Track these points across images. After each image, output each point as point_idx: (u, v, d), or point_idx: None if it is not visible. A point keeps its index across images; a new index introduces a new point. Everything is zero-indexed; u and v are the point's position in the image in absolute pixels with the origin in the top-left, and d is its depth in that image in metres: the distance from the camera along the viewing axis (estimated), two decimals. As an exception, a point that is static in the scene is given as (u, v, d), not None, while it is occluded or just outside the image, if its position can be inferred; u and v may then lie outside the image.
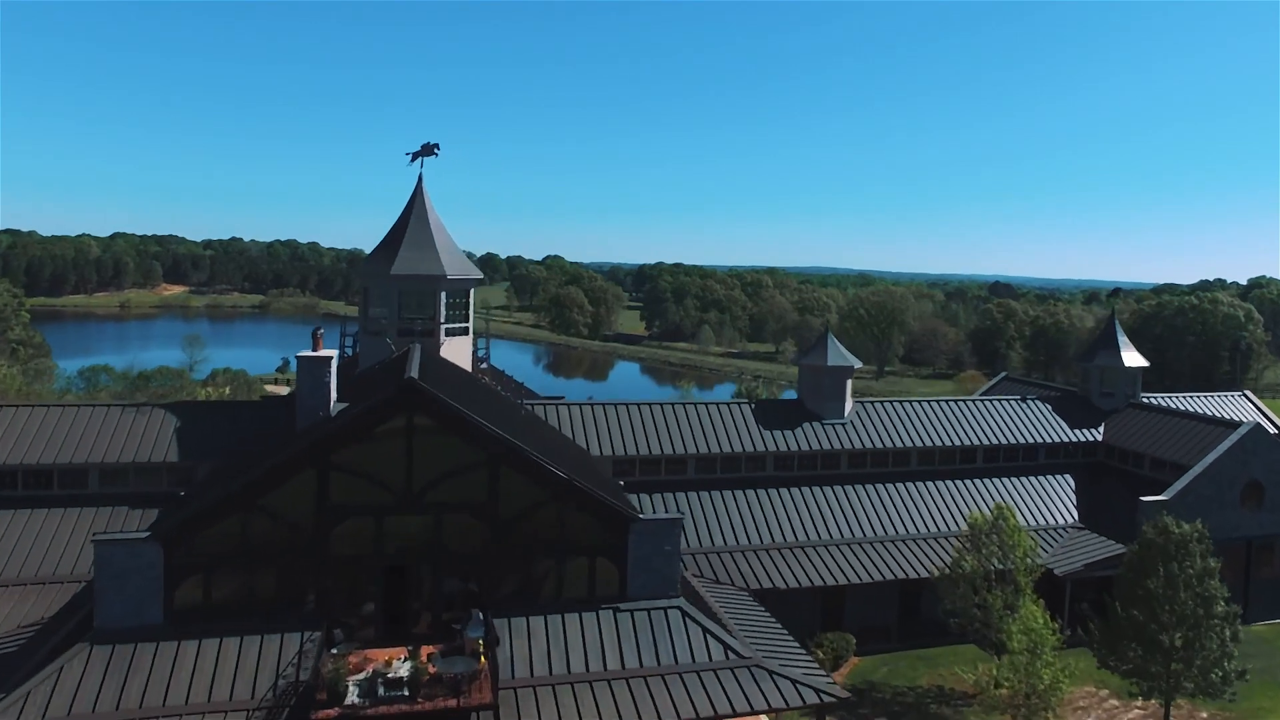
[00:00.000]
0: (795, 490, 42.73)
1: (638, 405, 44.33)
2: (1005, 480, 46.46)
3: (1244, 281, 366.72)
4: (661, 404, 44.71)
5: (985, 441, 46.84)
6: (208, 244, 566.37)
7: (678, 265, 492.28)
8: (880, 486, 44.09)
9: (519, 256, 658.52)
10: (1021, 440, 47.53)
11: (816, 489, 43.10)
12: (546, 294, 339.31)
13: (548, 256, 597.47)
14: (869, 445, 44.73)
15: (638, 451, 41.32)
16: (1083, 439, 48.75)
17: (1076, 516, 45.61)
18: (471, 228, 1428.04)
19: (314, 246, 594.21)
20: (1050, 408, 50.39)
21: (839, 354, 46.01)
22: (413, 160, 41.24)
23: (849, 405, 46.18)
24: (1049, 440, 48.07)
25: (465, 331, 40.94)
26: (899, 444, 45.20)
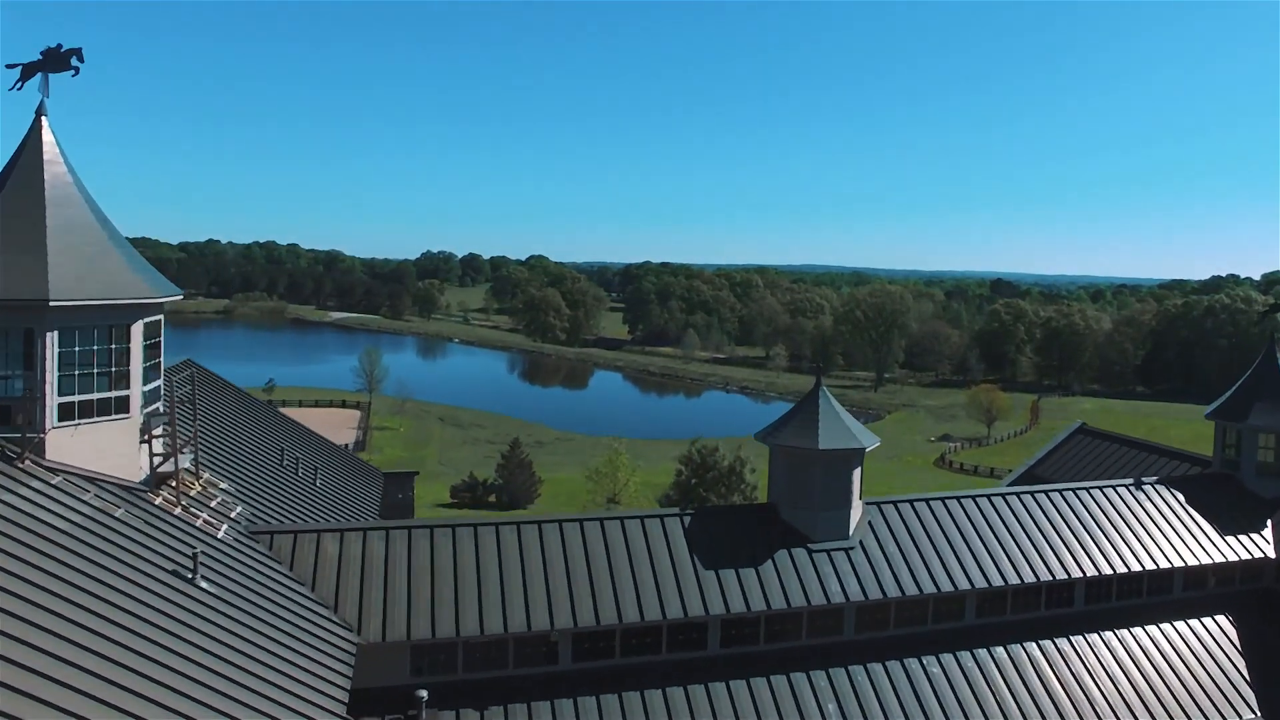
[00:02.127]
0: (760, 684, 23.37)
1: (474, 527, 24.98)
2: (1123, 635, 27.22)
3: (1258, 277, 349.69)
4: (520, 523, 25.22)
5: (1086, 569, 27.52)
6: (183, 247, 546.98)
7: (665, 265, 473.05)
8: (915, 665, 24.73)
9: (503, 257, 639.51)
10: (1144, 563, 28.26)
11: (800, 678, 23.74)
12: (525, 296, 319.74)
13: (531, 256, 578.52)
14: (893, 590, 25.35)
15: (458, 629, 21.86)
16: (1241, 554, 29.50)
17: (1255, 711, 26.29)
18: (459, 227, 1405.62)
19: (294, 248, 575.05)
20: (1182, 497, 31.08)
21: (839, 427, 26.51)
22: (22, 80, 21.78)
23: (856, 514, 26.74)
24: (1188, 560, 28.79)
25: (124, 406, 21.35)
26: (945, 583, 25.85)
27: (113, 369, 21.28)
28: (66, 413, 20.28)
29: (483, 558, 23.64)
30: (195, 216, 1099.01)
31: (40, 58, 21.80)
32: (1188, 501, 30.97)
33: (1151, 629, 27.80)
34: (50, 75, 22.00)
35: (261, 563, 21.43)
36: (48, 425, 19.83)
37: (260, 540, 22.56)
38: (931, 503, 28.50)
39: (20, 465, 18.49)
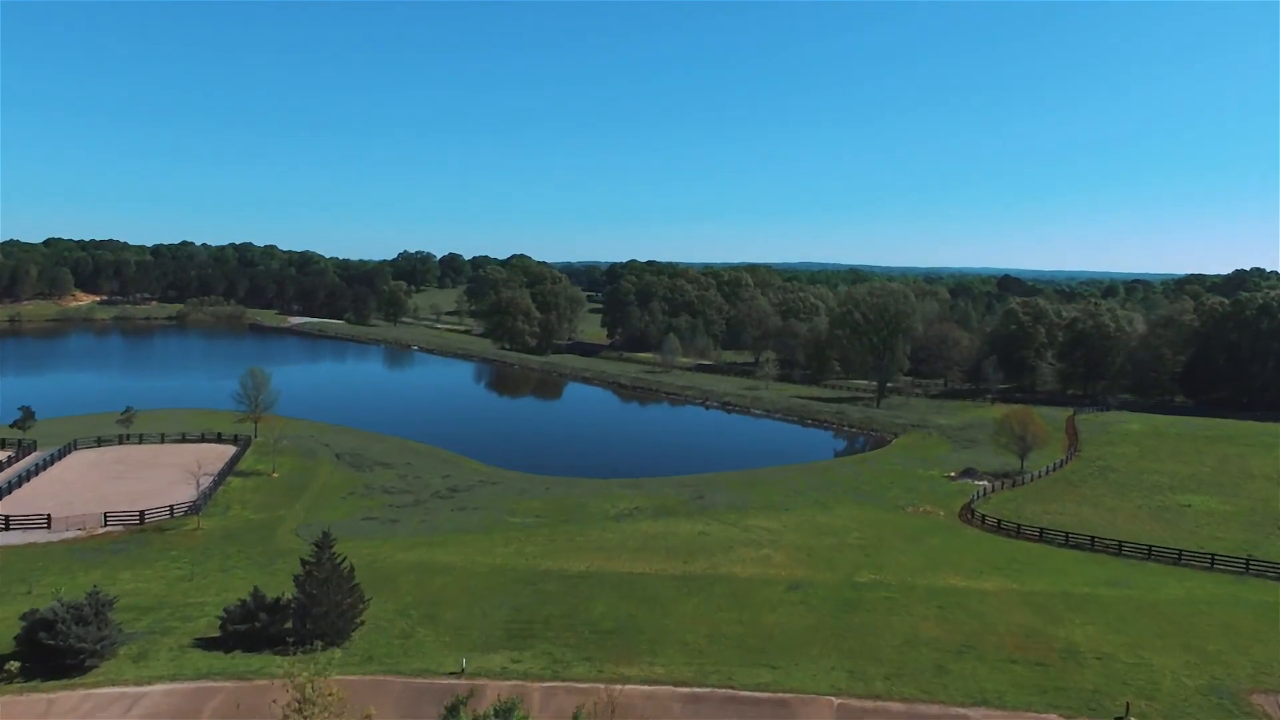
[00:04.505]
0: None
1: None
2: None
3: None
4: None
5: None
6: (156, 249, 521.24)
7: (651, 263, 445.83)
8: None
9: (485, 256, 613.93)
10: None
11: None
12: (492, 298, 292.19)
13: (513, 256, 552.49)
14: None
15: None
16: None
17: None
18: (447, 228, 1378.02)
19: (270, 250, 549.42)
20: None
21: None
22: None
23: None
24: None
25: None
26: None
27: None
28: None
29: None
30: (177, 218, 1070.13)
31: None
32: None
33: None
34: None
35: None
36: None
37: None
38: None
39: None
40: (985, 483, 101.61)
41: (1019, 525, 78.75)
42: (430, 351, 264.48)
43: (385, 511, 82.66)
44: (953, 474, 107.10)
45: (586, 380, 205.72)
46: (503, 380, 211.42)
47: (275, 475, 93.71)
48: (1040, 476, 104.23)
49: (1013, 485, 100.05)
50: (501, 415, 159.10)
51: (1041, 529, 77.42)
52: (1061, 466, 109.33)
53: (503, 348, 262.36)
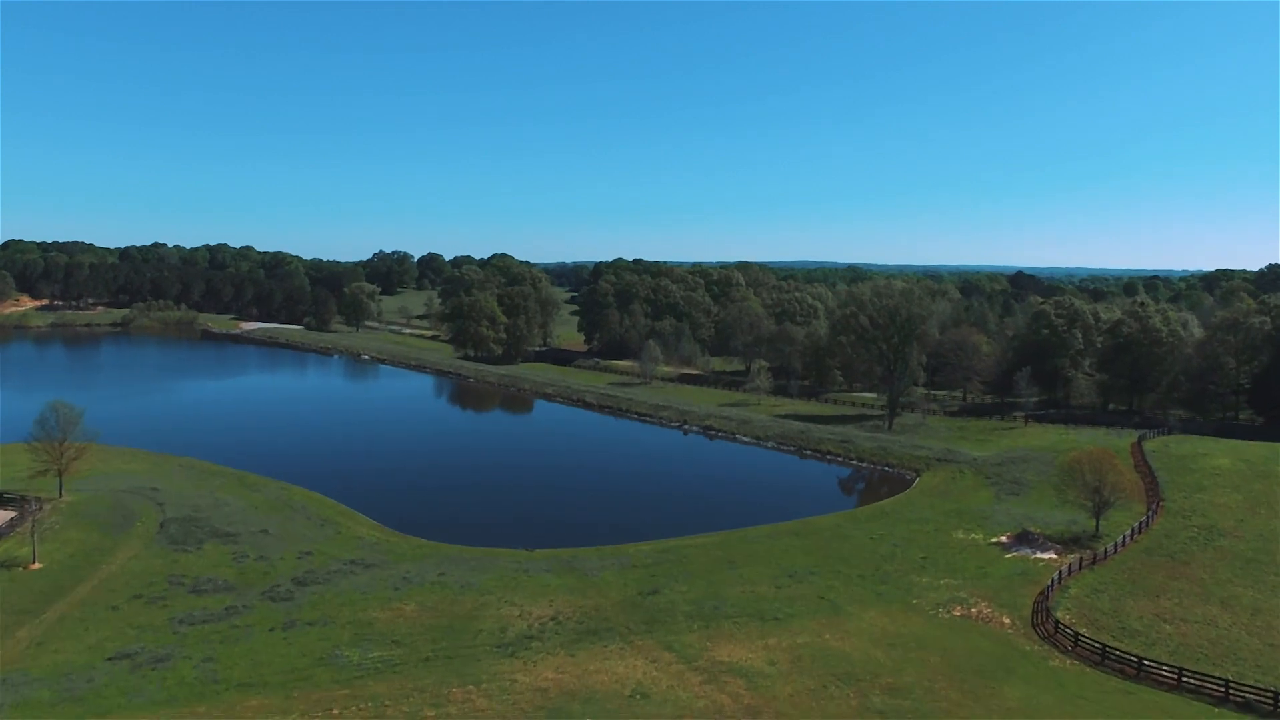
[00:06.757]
0: None
1: None
2: None
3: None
4: None
5: None
6: (125, 252, 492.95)
7: (638, 261, 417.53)
8: None
9: (467, 256, 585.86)
10: None
11: None
12: (453, 302, 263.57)
13: (494, 255, 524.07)
14: None
15: None
16: None
17: None
18: (431, 227, 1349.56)
19: (244, 251, 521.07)
20: None
21: None
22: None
23: None
24: None
25: None
26: None
27: None
28: None
29: None
30: (161, 220, 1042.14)
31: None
32: None
33: None
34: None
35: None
36: None
37: None
38: None
39: None
40: (1053, 556, 73.48)
41: (1140, 659, 50.47)
42: (384, 361, 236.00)
43: (161, 638, 54.21)
44: (1004, 539, 78.92)
45: (548, 396, 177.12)
46: (452, 395, 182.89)
47: (35, 567, 65.11)
48: (1125, 544, 75.98)
49: (1093, 561, 71.73)
50: (429, 446, 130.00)
51: (1180, 670, 49.11)
52: (1147, 526, 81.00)
53: (465, 356, 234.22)
